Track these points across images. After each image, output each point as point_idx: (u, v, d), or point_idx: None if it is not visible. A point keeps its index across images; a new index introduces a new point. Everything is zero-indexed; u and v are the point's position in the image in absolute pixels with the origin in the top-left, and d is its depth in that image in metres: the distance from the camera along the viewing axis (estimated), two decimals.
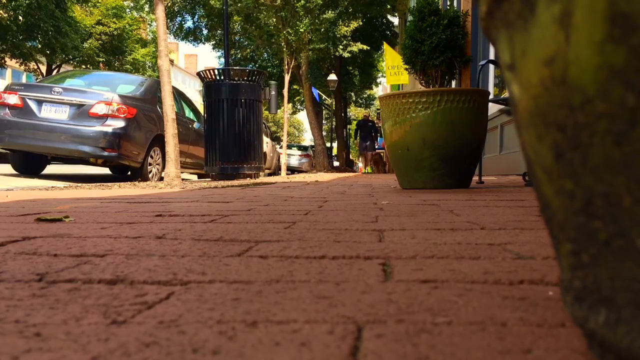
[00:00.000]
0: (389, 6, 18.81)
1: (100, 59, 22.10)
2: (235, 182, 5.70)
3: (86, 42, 21.31)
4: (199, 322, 0.52)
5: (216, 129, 6.99)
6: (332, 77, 19.23)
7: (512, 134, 7.27)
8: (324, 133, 30.00)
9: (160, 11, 5.41)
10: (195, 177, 9.83)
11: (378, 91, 37.48)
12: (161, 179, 7.04)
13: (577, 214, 0.32)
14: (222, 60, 21.59)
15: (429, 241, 1.06)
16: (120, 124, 6.33)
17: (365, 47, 18.23)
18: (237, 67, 9.02)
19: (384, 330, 0.50)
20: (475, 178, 4.79)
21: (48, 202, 2.33)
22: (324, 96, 26.87)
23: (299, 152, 24.01)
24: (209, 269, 0.79)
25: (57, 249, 0.99)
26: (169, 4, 19.07)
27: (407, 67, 9.19)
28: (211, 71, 7.17)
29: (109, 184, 4.81)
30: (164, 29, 5.45)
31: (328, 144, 28.00)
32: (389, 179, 6.72)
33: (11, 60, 19.45)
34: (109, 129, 6.23)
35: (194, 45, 23.95)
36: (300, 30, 14.91)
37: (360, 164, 17.77)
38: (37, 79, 19.84)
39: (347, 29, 16.75)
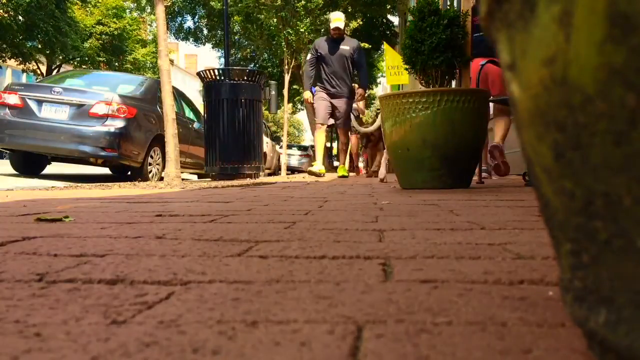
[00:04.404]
0: (388, 6, 18.81)
1: (101, 59, 22.13)
2: (235, 182, 5.70)
3: (86, 42, 21.33)
4: (199, 322, 0.52)
5: (216, 129, 6.99)
6: None
7: (512, 134, 7.25)
8: None
9: (161, 11, 5.41)
10: (195, 177, 9.82)
11: (378, 91, 37.46)
12: (161, 179, 7.04)
13: (577, 214, 0.32)
14: (222, 60, 21.59)
15: (429, 241, 1.06)
16: (120, 124, 6.33)
17: (365, 44, 18.23)
18: (237, 67, 9.01)
19: (384, 330, 0.50)
20: (475, 178, 4.79)
21: (48, 202, 2.33)
22: None
23: (299, 152, 23.97)
24: (209, 269, 0.79)
25: (57, 249, 0.99)
26: (169, 4, 19.07)
27: (407, 67, 9.18)
28: (211, 71, 7.16)
29: (109, 184, 4.81)
30: (164, 28, 5.45)
31: (328, 144, 27.95)
32: (388, 179, 6.72)
33: (10, 59, 19.46)
34: (109, 129, 6.23)
35: (194, 45, 24.00)
36: (301, 30, 14.92)
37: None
38: (37, 79, 19.84)
39: (347, 28, 16.74)
